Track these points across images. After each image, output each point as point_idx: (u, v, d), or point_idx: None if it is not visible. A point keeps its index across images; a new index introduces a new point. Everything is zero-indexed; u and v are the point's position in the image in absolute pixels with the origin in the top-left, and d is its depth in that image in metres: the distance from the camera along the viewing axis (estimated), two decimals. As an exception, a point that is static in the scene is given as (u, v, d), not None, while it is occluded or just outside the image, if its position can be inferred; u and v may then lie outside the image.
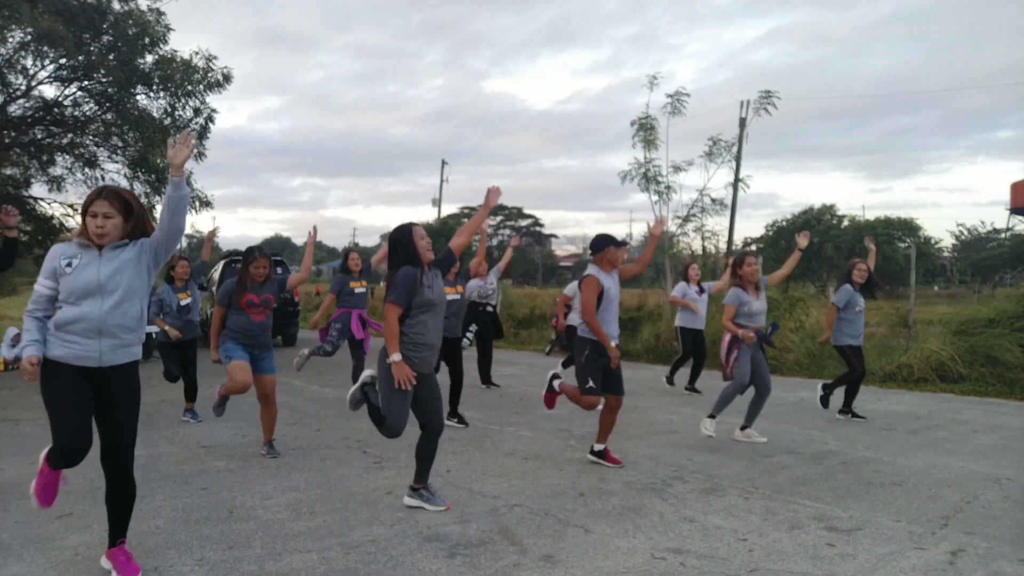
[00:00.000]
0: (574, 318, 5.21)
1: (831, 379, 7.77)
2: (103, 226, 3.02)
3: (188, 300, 6.89)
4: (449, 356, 6.72)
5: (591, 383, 4.99)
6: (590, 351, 4.99)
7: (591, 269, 5.12)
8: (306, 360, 7.71)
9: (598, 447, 5.26)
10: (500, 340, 10.03)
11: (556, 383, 5.40)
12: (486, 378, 9.01)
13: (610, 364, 4.97)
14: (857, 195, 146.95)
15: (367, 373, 4.24)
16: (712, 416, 5.80)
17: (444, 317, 6.76)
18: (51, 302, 3.09)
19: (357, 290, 7.90)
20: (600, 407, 5.18)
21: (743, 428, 6.06)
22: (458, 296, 6.66)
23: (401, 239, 4.04)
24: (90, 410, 3.09)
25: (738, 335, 5.71)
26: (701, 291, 8.74)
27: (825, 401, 7.17)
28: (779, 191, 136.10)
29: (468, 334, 7.58)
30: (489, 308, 8.50)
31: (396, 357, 3.89)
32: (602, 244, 5.12)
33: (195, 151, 13.18)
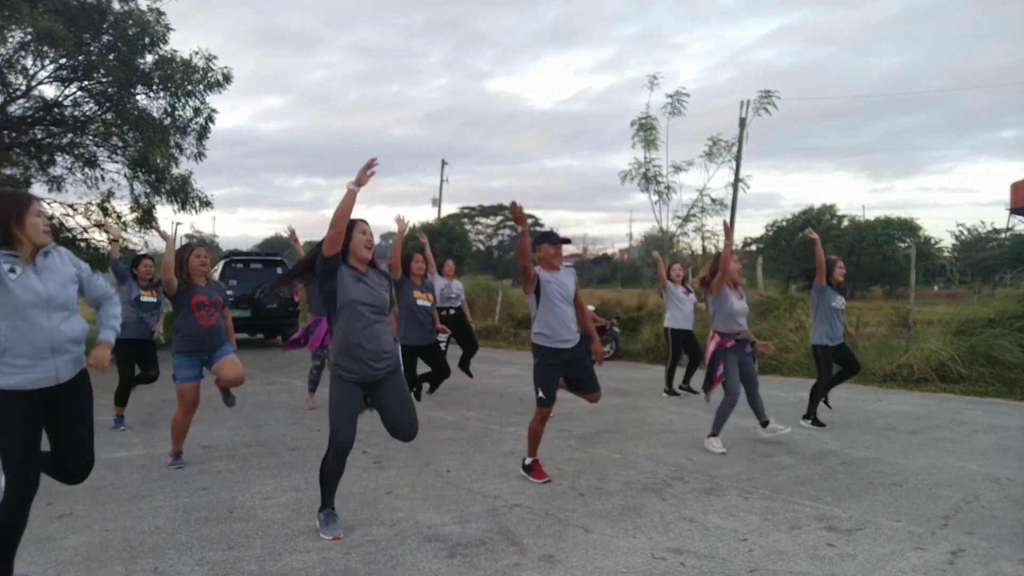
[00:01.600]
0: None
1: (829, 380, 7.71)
2: (47, 224, 2.96)
3: (151, 299, 6.50)
4: (430, 359, 6.73)
5: (541, 392, 4.65)
6: (540, 359, 4.69)
7: (536, 267, 4.75)
8: (316, 384, 7.61)
9: (528, 460, 4.88)
10: (497, 340, 9.90)
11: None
12: (464, 364, 8.55)
13: (564, 364, 4.65)
14: (859, 195, 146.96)
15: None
16: (714, 435, 5.72)
17: (419, 324, 6.71)
18: None
19: None
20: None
21: (765, 425, 5.93)
22: (429, 303, 6.59)
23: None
24: (39, 439, 2.97)
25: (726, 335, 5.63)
26: (688, 291, 8.69)
27: (817, 423, 6.73)
28: (781, 191, 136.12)
29: (441, 343, 7.49)
30: (451, 311, 8.24)
31: (350, 183, 3.60)
32: (537, 240, 4.78)
33: (195, 152, 13.25)
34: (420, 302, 6.67)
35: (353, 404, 3.72)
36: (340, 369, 3.70)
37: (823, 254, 6.51)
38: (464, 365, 8.60)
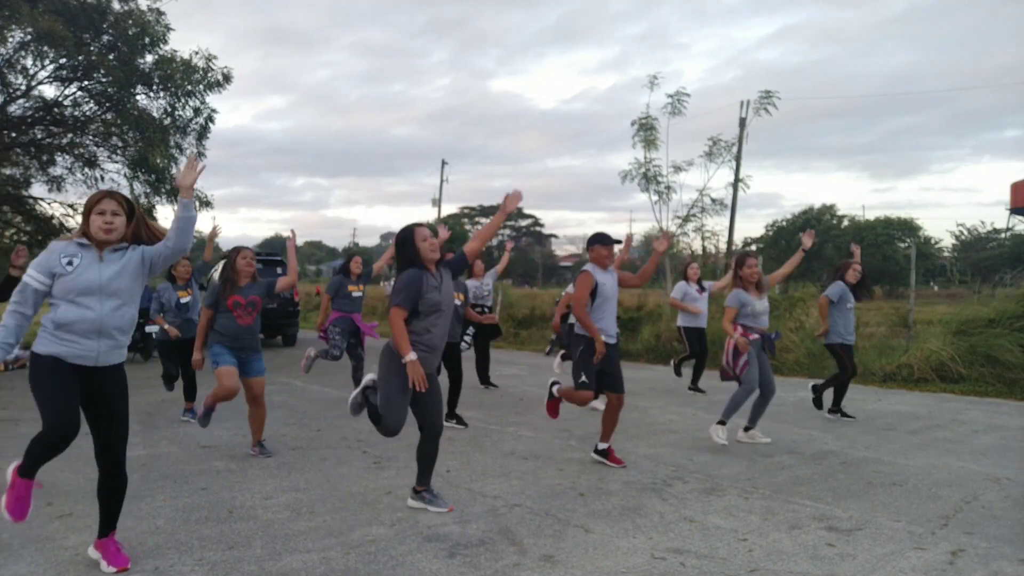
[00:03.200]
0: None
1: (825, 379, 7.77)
2: (111, 222, 3.10)
3: (188, 299, 6.88)
4: (448, 359, 6.71)
5: (584, 377, 5.02)
6: (585, 347, 5.03)
7: (587, 265, 5.15)
8: (313, 361, 7.71)
9: (602, 446, 5.27)
10: (500, 340, 10.02)
11: (555, 389, 5.40)
12: (484, 379, 9.03)
13: (599, 359, 4.96)
14: (860, 195, 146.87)
15: (369, 377, 4.23)
16: (722, 422, 5.75)
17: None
18: (38, 297, 3.10)
19: (355, 294, 7.85)
20: (598, 405, 5.19)
21: (747, 429, 6.05)
22: (459, 302, 6.62)
23: (404, 241, 4.04)
24: (78, 397, 3.13)
25: (735, 338, 5.68)
26: (702, 290, 8.74)
27: (818, 403, 7.18)
28: (782, 191, 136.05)
29: (466, 337, 7.57)
30: (484, 310, 8.49)
31: (411, 357, 3.87)
32: (591, 241, 5.21)
33: (195, 152, 13.26)
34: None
35: (407, 392, 3.97)
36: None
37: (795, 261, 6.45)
38: (484, 379, 8.98)
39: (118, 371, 3.25)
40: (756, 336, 5.79)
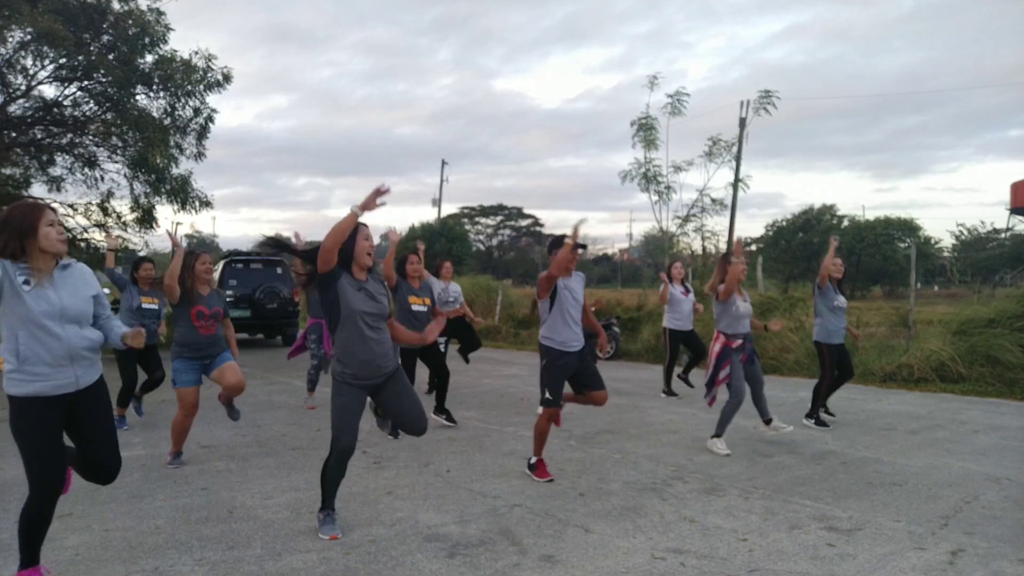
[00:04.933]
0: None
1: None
2: (63, 233, 3.00)
3: (152, 306, 6.52)
4: (429, 360, 6.63)
5: (547, 394, 4.75)
6: (547, 360, 4.79)
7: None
8: (315, 381, 7.59)
9: (533, 459, 4.93)
10: (499, 341, 9.82)
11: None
12: (466, 355, 8.48)
13: (571, 366, 4.75)
14: (863, 195, 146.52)
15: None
16: (718, 435, 5.71)
17: (416, 328, 6.51)
18: None
19: None
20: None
21: (768, 423, 5.93)
22: (425, 308, 6.26)
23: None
24: (61, 443, 3.02)
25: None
26: (687, 291, 8.63)
27: (820, 423, 6.74)
28: (785, 191, 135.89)
29: (440, 344, 7.41)
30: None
31: (355, 206, 3.51)
32: (552, 245, 4.86)
33: (195, 152, 13.25)
34: (416, 307, 6.31)
35: (357, 409, 3.73)
36: (344, 375, 3.71)
37: (829, 258, 6.68)
38: (464, 352, 8.44)
39: (99, 387, 3.11)
40: (739, 342, 5.71)
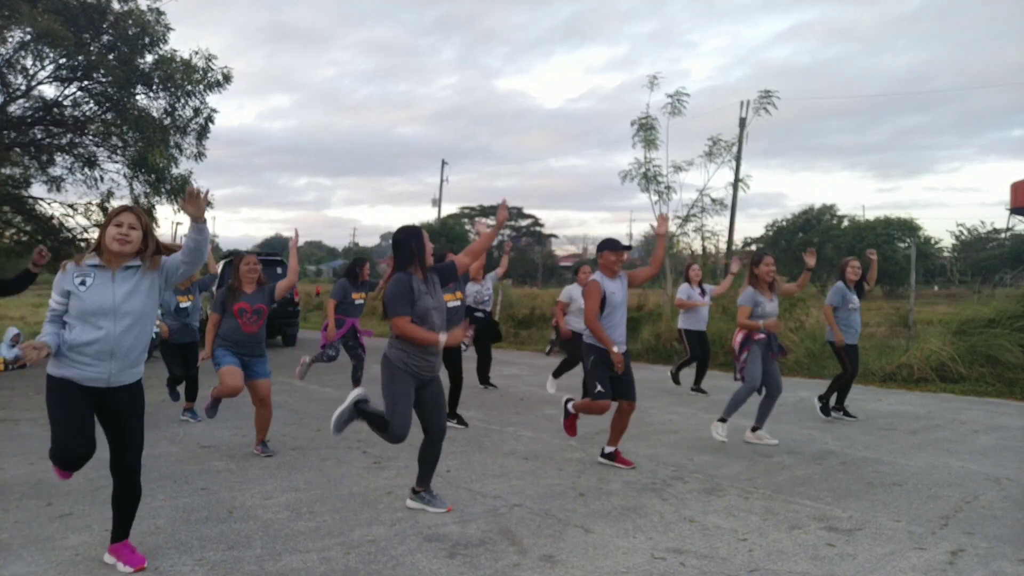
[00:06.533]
0: (579, 323, 5.17)
1: (829, 379, 7.78)
2: (128, 235, 3.09)
3: (188, 304, 6.90)
4: (448, 360, 6.67)
5: (599, 387, 4.98)
6: (596, 357, 5.00)
7: (596, 274, 5.12)
8: (308, 368, 7.66)
9: (608, 450, 5.25)
10: (499, 342, 9.92)
11: (570, 405, 5.36)
12: (484, 379, 9.02)
13: (620, 369, 4.97)
14: (864, 195, 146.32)
15: (356, 393, 4.19)
16: (723, 420, 5.75)
17: (447, 322, 6.55)
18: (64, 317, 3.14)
19: (357, 301, 7.89)
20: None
21: (754, 429, 6.02)
22: (458, 302, 6.43)
23: (413, 239, 4.01)
24: (91, 421, 3.14)
25: (758, 327, 5.68)
26: (703, 293, 8.74)
27: (825, 411, 7.11)
28: (786, 190, 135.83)
29: (465, 339, 7.53)
30: (483, 314, 8.33)
31: (441, 338, 3.88)
32: (600, 248, 5.18)
33: (195, 152, 13.25)
34: (450, 303, 6.45)
35: (411, 399, 3.99)
36: (408, 365, 3.96)
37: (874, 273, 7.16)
38: (484, 380, 8.99)
39: (132, 390, 3.23)
40: (763, 336, 5.78)
